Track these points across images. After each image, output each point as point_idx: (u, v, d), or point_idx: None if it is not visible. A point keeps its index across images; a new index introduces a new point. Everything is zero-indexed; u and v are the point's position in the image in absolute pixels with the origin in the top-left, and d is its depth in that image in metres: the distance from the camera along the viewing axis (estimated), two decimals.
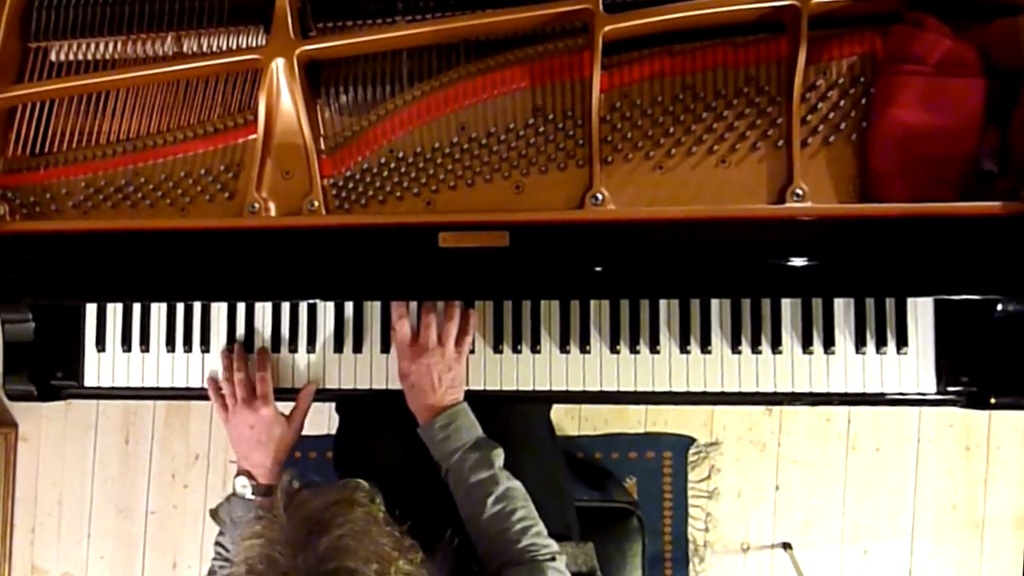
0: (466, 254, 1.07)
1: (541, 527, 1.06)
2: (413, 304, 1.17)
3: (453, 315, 1.14)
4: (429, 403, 1.12)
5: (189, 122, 1.18)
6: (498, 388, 1.18)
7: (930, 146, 1.05)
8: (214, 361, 1.23)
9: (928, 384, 1.13)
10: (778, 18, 1.09)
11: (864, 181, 1.08)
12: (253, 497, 1.13)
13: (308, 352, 1.21)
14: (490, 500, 1.05)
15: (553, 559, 1.02)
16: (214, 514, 1.14)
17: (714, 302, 1.15)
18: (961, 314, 1.11)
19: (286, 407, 1.19)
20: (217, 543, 1.14)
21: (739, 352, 1.15)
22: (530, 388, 1.17)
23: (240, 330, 1.23)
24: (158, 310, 1.24)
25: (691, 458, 1.99)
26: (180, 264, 1.14)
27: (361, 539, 0.82)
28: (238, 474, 1.15)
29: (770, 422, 1.99)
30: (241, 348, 1.21)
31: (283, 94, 1.14)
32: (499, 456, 1.09)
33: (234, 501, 1.14)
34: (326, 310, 1.21)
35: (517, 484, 1.09)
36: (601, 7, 1.06)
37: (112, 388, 1.25)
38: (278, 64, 1.12)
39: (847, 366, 1.14)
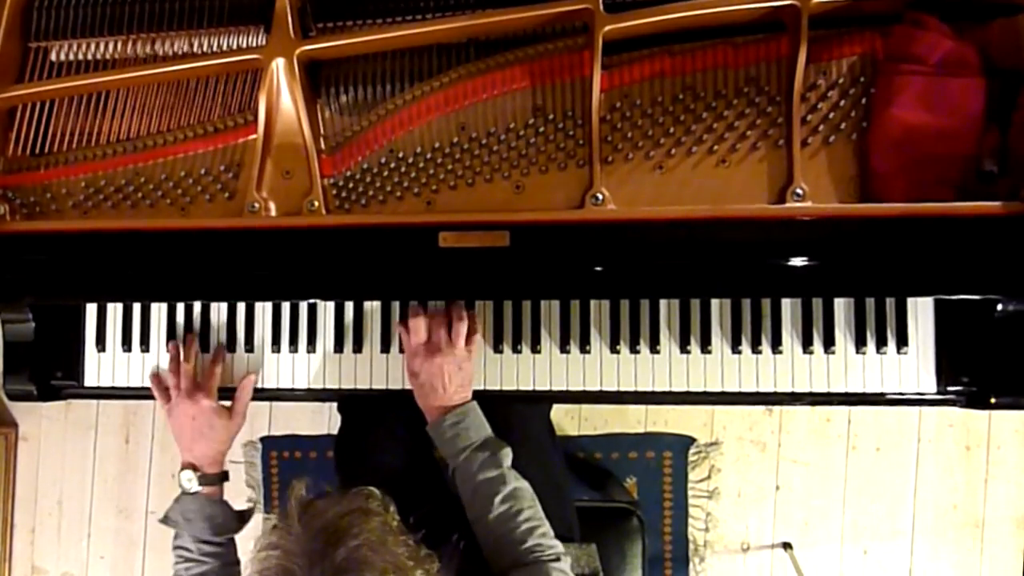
0: (466, 254, 1.07)
1: (547, 527, 1.06)
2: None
3: (462, 315, 1.14)
4: (439, 402, 1.11)
5: (189, 122, 1.19)
6: (498, 388, 1.18)
7: (930, 146, 1.05)
8: None
9: (928, 384, 1.13)
10: (778, 18, 1.09)
11: (864, 181, 1.08)
12: (201, 488, 1.14)
13: (308, 352, 1.21)
14: (497, 499, 1.05)
15: (558, 559, 1.02)
16: (165, 520, 1.14)
17: (714, 302, 1.15)
18: (961, 314, 1.11)
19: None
20: (176, 547, 1.14)
21: (739, 352, 1.15)
22: (530, 388, 1.17)
23: (240, 330, 1.23)
24: (158, 310, 1.24)
25: (691, 458, 1.98)
26: (180, 264, 1.14)
27: (377, 549, 0.82)
28: (182, 468, 1.15)
29: (770, 422, 1.99)
30: (192, 340, 1.21)
31: (283, 94, 1.14)
32: (507, 456, 1.09)
33: (184, 499, 1.14)
34: (326, 310, 1.21)
35: (524, 484, 1.08)
36: (601, 7, 1.06)
37: (112, 388, 1.25)
38: (278, 64, 1.12)
39: (847, 366, 1.14)
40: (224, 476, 1.18)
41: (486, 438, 1.10)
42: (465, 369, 1.13)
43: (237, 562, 1.15)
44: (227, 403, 1.19)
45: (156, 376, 1.22)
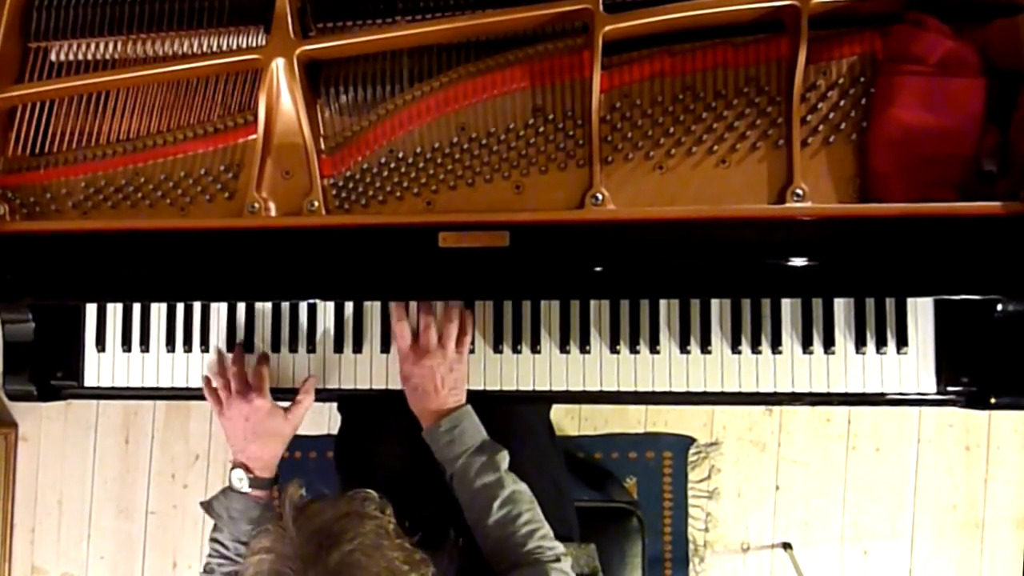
0: (466, 254, 1.07)
1: (547, 529, 1.06)
2: (412, 305, 1.17)
3: (452, 316, 1.14)
4: (433, 407, 1.11)
5: (189, 122, 1.18)
6: (498, 388, 1.18)
7: (930, 146, 1.05)
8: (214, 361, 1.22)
9: (928, 384, 1.13)
10: (778, 18, 1.09)
11: (864, 181, 1.08)
12: (250, 490, 1.11)
13: (308, 352, 1.21)
14: (496, 503, 1.05)
15: (558, 560, 1.02)
16: (208, 507, 1.13)
17: (714, 302, 1.15)
18: (961, 314, 1.11)
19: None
20: (213, 539, 1.13)
21: (739, 352, 1.15)
22: (530, 388, 1.17)
23: (240, 330, 1.23)
24: (158, 310, 1.24)
25: (691, 458, 1.99)
26: (180, 264, 1.14)
27: (372, 554, 0.82)
28: (234, 467, 1.13)
29: (770, 422, 1.99)
30: (238, 347, 1.21)
31: (283, 94, 1.14)
32: (504, 459, 1.09)
33: (231, 495, 1.12)
34: (326, 310, 1.21)
35: (523, 487, 1.08)
36: (601, 7, 1.06)
37: (112, 388, 1.25)
38: (278, 64, 1.12)
39: (847, 366, 1.14)
40: (275, 480, 1.15)
41: (482, 442, 1.10)
42: (457, 371, 1.12)
43: None
44: (283, 404, 1.17)
45: (208, 380, 1.19)
